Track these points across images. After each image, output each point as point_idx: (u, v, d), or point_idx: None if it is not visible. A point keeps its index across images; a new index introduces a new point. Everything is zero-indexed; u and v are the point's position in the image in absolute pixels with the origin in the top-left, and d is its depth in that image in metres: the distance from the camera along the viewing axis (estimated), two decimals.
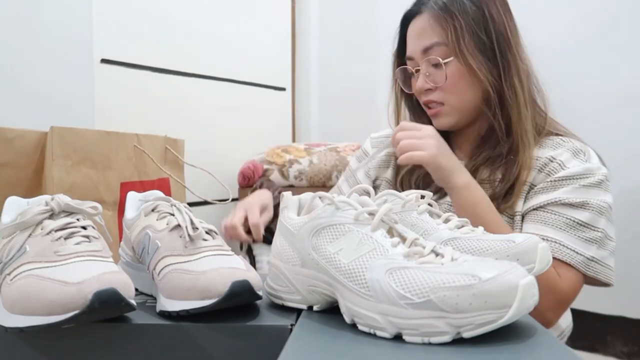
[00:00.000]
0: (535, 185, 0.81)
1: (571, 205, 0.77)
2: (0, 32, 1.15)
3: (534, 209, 0.80)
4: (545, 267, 0.52)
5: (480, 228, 0.58)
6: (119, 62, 1.38)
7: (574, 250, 0.75)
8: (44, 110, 1.19)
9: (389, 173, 0.96)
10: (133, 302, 0.44)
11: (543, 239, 0.74)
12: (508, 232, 0.73)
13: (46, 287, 0.42)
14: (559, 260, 0.75)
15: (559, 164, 0.80)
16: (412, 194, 0.59)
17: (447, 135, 0.89)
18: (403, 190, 0.86)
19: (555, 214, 0.78)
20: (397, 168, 0.94)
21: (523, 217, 0.81)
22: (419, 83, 0.86)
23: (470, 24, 0.81)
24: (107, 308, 0.42)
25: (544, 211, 0.79)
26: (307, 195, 0.53)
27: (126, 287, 0.44)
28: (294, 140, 2.11)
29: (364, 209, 0.46)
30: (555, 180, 0.79)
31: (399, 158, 0.78)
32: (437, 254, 0.43)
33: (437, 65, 0.83)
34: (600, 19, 1.65)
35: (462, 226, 0.58)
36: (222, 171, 1.26)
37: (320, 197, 0.51)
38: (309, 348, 0.39)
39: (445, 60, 0.82)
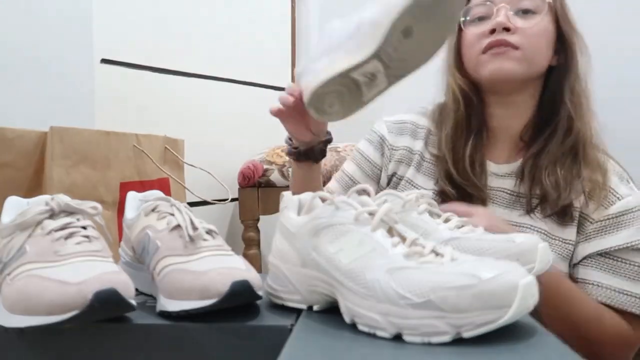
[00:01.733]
0: (589, 216, 0.77)
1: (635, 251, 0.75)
2: (0, 32, 1.15)
3: (599, 255, 0.76)
4: (545, 267, 0.52)
5: (480, 228, 0.57)
6: (119, 62, 1.38)
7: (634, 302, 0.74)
8: (44, 110, 1.19)
9: (410, 172, 0.89)
10: (133, 302, 0.44)
11: (617, 291, 0.74)
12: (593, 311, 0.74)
13: (46, 287, 0.42)
14: (633, 314, 0.74)
15: (611, 192, 0.77)
16: (412, 194, 0.59)
17: (481, 134, 0.84)
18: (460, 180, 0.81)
19: (626, 263, 0.75)
20: (425, 169, 0.88)
21: (576, 250, 0.78)
22: (500, 17, 0.78)
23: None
24: (107, 308, 0.42)
25: (613, 259, 0.76)
26: (307, 195, 0.53)
27: (126, 287, 0.44)
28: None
29: (364, 209, 0.45)
30: (614, 217, 0.76)
31: None
32: (437, 254, 0.43)
33: (527, 13, 0.79)
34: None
35: (462, 226, 0.58)
36: (222, 171, 1.26)
37: (320, 197, 0.51)
38: (309, 348, 0.39)
39: (543, 3, 0.79)
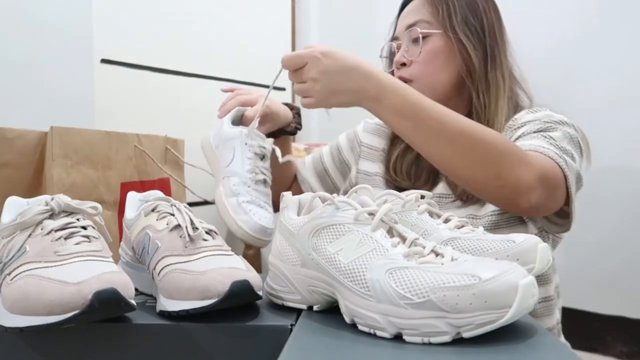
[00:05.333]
0: None
1: (537, 131, 0.77)
2: (0, 32, 1.15)
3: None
4: (545, 267, 0.52)
5: (480, 228, 0.57)
6: (119, 62, 1.38)
7: (547, 148, 0.73)
8: (44, 110, 1.19)
9: (377, 168, 0.96)
10: (133, 302, 0.44)
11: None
12: (465, 120, 0.70)
13: (46, 287, 0.42)
14: (533, 151, 0.73)
15: (519, 118, 0.82)
16: (412, 194, 0.59)
17: None
18: (396, 177, 0.89)
19: (525, 137, 0.78)
20: (388, 155, 0.94)
21: None
22: (396, 57, 0.88)
23: (463, 7, 0.84)
24: (107, 308, 0.42)
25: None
26: (307, 195, 0.53)
27: (126, 287, 0.44)
28: (294, 141, 2.11)
29: (364, 209, 0.46)
30: (516, 128, 0.81)
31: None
32: (437, 254, 0.43)
33: (416, 41, 0.85)
34: (600, 17, 1.65)
35: (462, 226, 0.58)
36: None
37: (320, 197, 0.51)
38: (309, 348, 0.39)
39: (424, 32, 0.83)
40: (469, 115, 0.86)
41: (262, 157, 0.80)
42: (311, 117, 2.15)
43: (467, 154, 0.68)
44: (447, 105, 0.86)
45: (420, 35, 0.84)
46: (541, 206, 0.71)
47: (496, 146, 0.68)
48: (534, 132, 0.78)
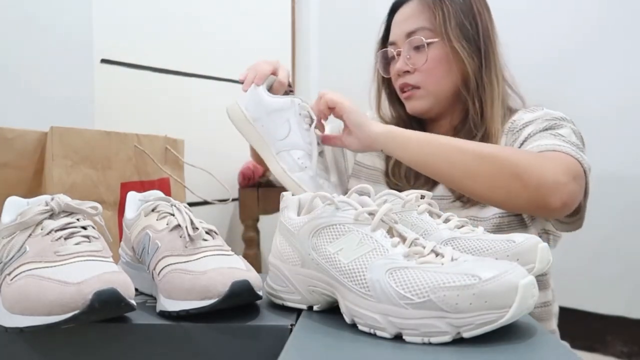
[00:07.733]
0: None
1: (544, 130, 0.78)
2: (0, 33, 1.15)
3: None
4: (545, 267, 0.52)
5: (480, 228, 0.57)
6: (119, 62, 1.38)
7: (562, 145, 0.74)
8: (44, 110, 1.19)
9: (377, 162, 0.96)
10: (133, 302, 0.44)
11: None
12: (475, 145, 0.72)
13: (46, 287, 0.42)
14: (547, 151, 0.73)
15: (519, 119, 0.83)
16: (412, 194, 0.59)
17: (423, 127, 0.93)
18: (396, 182, 0.89)
19: (535, 137, 0.78)
20: (387, 158, 0.94)
21: None
22: (398, 64, 0.88)
23: (458, 12, 0.84)
24: (107, 308, 0.42)
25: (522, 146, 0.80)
26: (307, 195, 0.53)
27: (126, 287, 0.44)
28: None
29: (364, 209, 0.45)
30: (519, 130, 0.82)
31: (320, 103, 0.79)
32: (437, 254, 0.43)
33: (418, 48, 0.85)
34: (600, 27, 1.65)
35: (462, 226, 0.58)
36: (222, 171, 1.26)
37: (320, 197, 0.51)
38: (309, 348, 0.39)
39: (429, 41, 0.84)
40: (464, 120, 0.87)
41: (313, 126, 0.78)
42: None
43: (479, 171, 0.70)
44: (445, 112, 0.90)
45: (425, 43, 0.84)
46: (573, 201, 0.71)
47: (506, 156, 0.70)
48: (542, 130, 0.78)
